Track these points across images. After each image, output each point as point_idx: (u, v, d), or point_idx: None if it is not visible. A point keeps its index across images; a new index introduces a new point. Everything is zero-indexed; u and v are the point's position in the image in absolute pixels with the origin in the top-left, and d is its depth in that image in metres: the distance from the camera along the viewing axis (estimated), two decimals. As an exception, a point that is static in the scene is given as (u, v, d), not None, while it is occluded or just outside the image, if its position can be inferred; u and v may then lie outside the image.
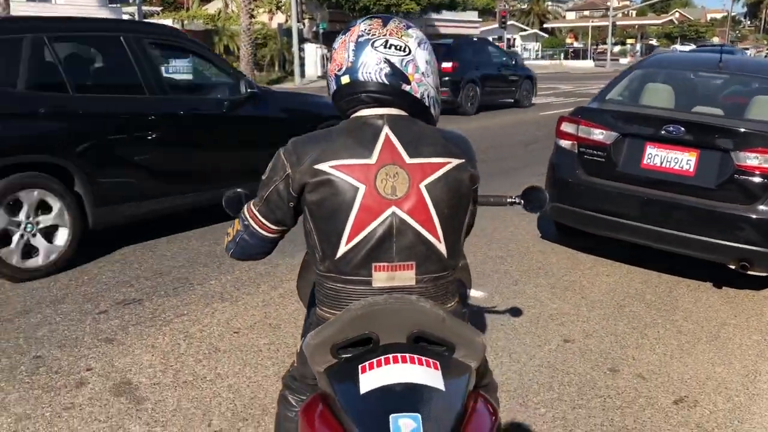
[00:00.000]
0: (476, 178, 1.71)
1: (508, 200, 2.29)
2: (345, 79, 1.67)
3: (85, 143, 4.48)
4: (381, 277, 1.62)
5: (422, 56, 1.68)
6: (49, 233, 4.41)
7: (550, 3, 78.37)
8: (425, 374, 1.48)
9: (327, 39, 38.48)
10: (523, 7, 71.41)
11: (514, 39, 56.82)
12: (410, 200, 1.61)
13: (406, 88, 1.66)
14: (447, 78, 14.14)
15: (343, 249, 1.62)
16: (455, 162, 1.66)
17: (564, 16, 79.36)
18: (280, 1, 39.86)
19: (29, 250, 4.32)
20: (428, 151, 1.65)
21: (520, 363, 3.38)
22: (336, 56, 1.69)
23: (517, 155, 9.68)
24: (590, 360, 3.44)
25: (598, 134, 4.53)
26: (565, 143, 4.76)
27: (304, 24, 39.66)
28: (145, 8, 43.02)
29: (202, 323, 3.73)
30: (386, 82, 1.64)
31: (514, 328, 3.77)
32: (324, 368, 1.59)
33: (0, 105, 4.20)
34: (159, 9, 45.43)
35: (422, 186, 1.62)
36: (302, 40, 36.58)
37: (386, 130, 1.65)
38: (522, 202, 2.27)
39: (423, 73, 1.68)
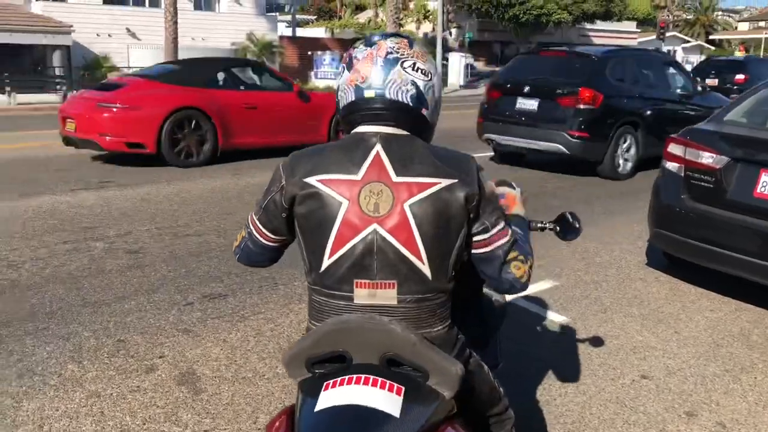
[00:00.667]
0: (473, 197, 1.63)
1: (539, 225, 2.18)
2: (369, 93, 1.67)
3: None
4: (362, 294, 1.62)
5: (438, 85, 1.74)
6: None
7: (720, 13, 73.29)
8: (383, 399, 1.45)
9: (473, 48, 38.47)
10: (688, 17, 67.21)
11: (675, 51, 53.64)
12: (393, 219, 1.59)
13: (425, 112, 1.70)
14: (584, 113, 8.27)
15: (326, 262, 1.63)
16: (445, 182, 1.61)
17: (736, 27, 73.75)
18: (428, 11, 40.30)
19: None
20: (417, 170, 1.62)
21: (586, 396, 3.19)
22: (360, 68, 1.69)
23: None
24: (666, 400, 3.18)
25: (707, 158, 4.18)
26: (671, 166, 4.43)
27: (450, 33, 39.89)
28: (299, 17, 45.30)
29: (276, 322, 3.87)
30: (410, 104, 1.67)
31: (589, 358, 3.57)
32: (299, 380, 1.61)
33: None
34: (313, 17, 47.51)
35: (406, 205, 1.59)
36: (447, 49, 36.77)
37: (378, 147, 1.65)
38: (557, 228, 2.16)
39: (436, 101, 1.74)
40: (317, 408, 1.44)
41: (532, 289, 4.49)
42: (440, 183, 1.61)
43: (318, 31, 41.35)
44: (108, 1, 27.36)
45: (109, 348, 3.47)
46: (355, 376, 1.50)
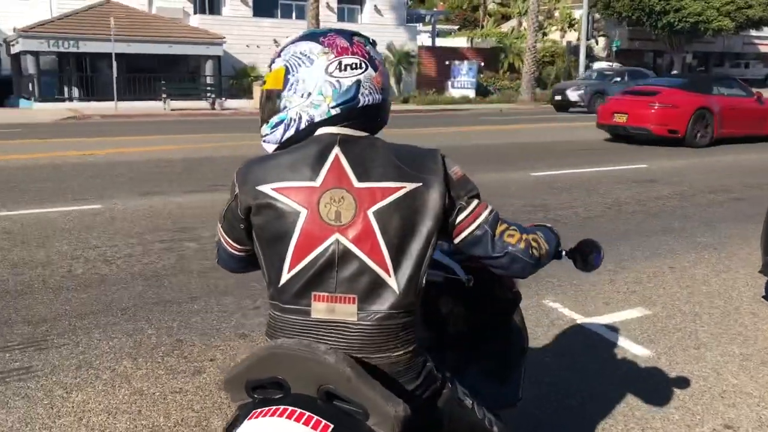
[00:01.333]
0: (443, 195, 1.51)
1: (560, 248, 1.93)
2: (389, 102, 1.65)
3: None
4: (320, 308, 1.49)
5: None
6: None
7: None
8: None
9: (620, 56, 36.70)
10: None
11: None
12: (356, 227, 1.46)
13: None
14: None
15: (285, 276, 1.51)
16: (411, 187, 1.49)
17: None
18: (574, 19, 38.97)
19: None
20: (379, 174, 1.49)
21: (653, 442, 2.82)
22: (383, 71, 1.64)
23: None
24: (748, 458, 2.74)
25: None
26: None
27: (596, 42, 38.34)
28: (443, 27, 45.46)
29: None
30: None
31: (666, 399, 3.16)
32: (238, 404, 1.51)
33: None
34: (456, 27, 47.47)
35: (370, 212, 1.47)
36: (593, 58, 35.37)
37: (336, 150, 1.51)
38: (575, 257, 1.92)
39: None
40: None
41: (615, 316, 4.10)
42: (405, 187, 1.49)
43: (460, 41, 41.27)
44: (258, 14, 28.90)
45: (165, 347, 3.55)
46: (281, 407, 1.37)
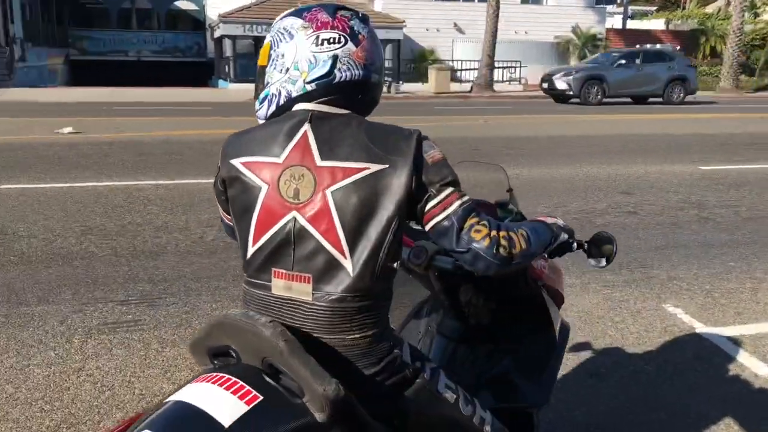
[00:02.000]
0: (411, 179, 1.42)
1: (570, 240, 1.76)
2: (375, 78, 1.56)
3: None
4: (279, 285, 1.48)
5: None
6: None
7: None
8: (226, 404, 1.30)
9: None
10: None
11: None
12: (313, 206, 1.42)
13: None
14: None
15: (251, 250, 1.52)
16: (375, 168, 1.42)
17: None
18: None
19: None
20: (345, 153, 1.44)
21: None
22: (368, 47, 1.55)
23: None
24: None
25: None
26: None
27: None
28: (639, 8, 42.66)
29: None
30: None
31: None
32: (202, 369, 1.54)
33: None
34: (654, 9, 44.33)
35: (328, 192, 1.42)
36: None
37: (306, 127, 1.47)
38: (587, 248, 1.74)
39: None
40: (169, 398, 1.36)
41: (744, 329, 3.64)
42: (369, 168, 1.42)
43: (656, 23, 38.50)
44: (439, -2, 29.07)
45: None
46: (220, 375, 1.38)
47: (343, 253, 1.41)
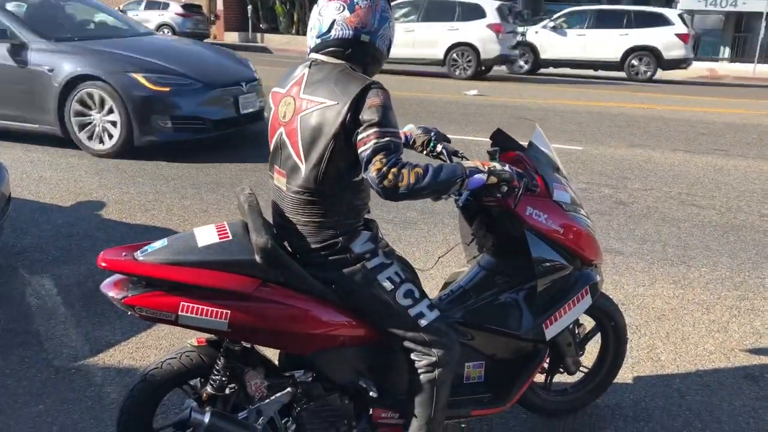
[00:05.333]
0: (346, 116, 1.94)
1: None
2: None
3: None
4: (275, 177, 2.24)
5: (365, 8, 2.07)
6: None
7: None
8: (209, 237, 2.11)
9: None
10: None
11: None
12: (290, 125, 2.12)
13: (364, 39, 2.08)
14: None
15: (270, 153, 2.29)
16: (329, 103, 1.98)
17: None
18: None
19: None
20: (318, 91, 2.01)
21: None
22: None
23: None
24: None
25: None
26: None
27: None
28: None
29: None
30: (344, 36, 2.07)
31: None
32: None
33: None
34: None
35: (299, 116, 2.08)
36: None
37: (305, 70, 2.16)
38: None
39: (366, 25, 2.07)
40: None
41: None
42: (325, 103, 1.99)
43: None
44: None
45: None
46: (223, 223, 2.21)
47: (301, 160, 2.08)
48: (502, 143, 2.50)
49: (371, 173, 1.92)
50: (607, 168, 6.84)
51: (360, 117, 1.95)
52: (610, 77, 17.09)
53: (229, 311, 2.00)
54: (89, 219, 4.98)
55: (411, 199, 2.00)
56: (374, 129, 1.93)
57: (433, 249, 4.48)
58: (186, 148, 7.04)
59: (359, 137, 1.95)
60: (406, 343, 2.17)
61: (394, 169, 1.90)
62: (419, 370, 2.16)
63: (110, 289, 2.02)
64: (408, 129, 2.64)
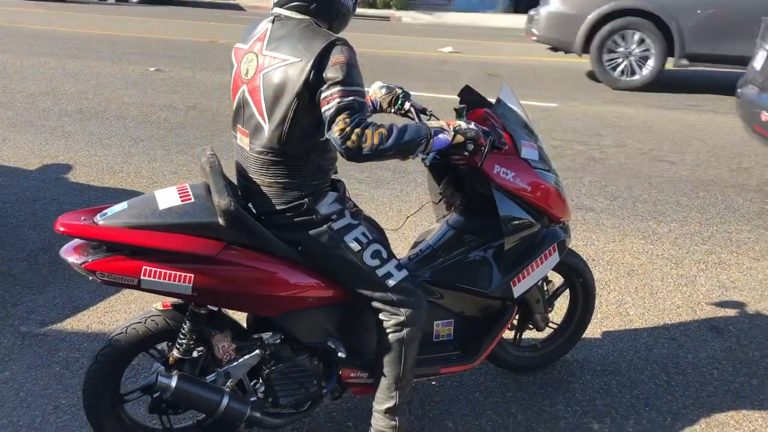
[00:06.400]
0: (310, 73, 1.88)
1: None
2: None
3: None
4: (238, 136, 2.18)
5: None
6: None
7: None
8: (170, 199, 2.07)
9: None
10: None
11: None
12: (252, 83, 2.04)
13: None
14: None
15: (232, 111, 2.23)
16: (291, 60, 1.92)
17: None
18: None
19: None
20: (281, 48, 1.95)
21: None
22: None
23: None
24: None
25: None
26: None
27: None
28: None
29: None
30: None
31: None
32: None
33: None
34: None
35: (261, 73, 2.01)
36: None
37: (268, 25, 2.08)
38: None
39: None
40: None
41: None
42: (287, 60, 1.95)
43: None
44: None
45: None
46: (185, 185, 2.16)
47: (264, 119, 2.03)
48: (470, 100, 2.47)
49: (334, 134, 1.88)
50: (581, 125, 6.84)
51: (324, 75, 1.90)
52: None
53: (193, 275, 1.98)
54: (56, 182, 4.88)
55: (375, 161, 1.97)
56: (338, 87, 1.89)
57: (406, 208, 4.46)
58: (156, 108, 6.90)
59: (323, 96, 1.91)
60: (374, 304, 2.17)
61: (357, 130, 1.87)
62: (387, 330, 2.16)
63: (70, 254, 1.99)
64: (372, 91, 2.59)
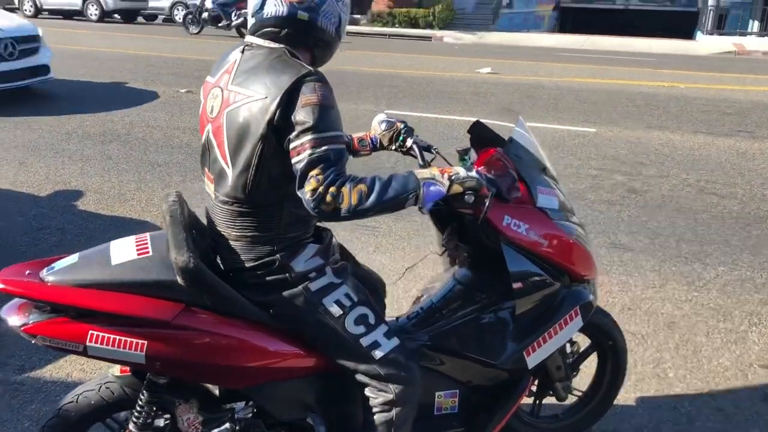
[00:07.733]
0: (275, 113, 1.62)
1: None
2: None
3: None
4: (206, 181, 1.92)
5: None
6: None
7: None
8: (126, 252, 1.81)
9: None
10: None
11: None
12: (216, 122, 1.78)
13: (301, 16, 1.73)
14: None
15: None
16: (256, 97, 1.66)
17: None
18: None
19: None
20: (248, 82, 1.69)
21: None
22: None
23: None
24: None
25: None
26: None
27: None
28: None
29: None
30: (281, 14, 1.73)
31: None
32: None
33: None
34: None
35: (225, 111, 1.75)
36: None
37: (238, 56, 1.81)
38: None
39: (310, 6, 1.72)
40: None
41: None
42: (252, 97, 1.68)
43: None
44: None
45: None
46: (143, 235, 1.89)
47: (228, 164, 1.75)
48: (481, 137, 2.17)
49: (306, 194, 1.60)
50: (621, 152, 6.43)
51: (293, 117, 1.62)
52: (636, 52, 16.45)
53: (146, 341, 1.71)
54: (63, 210, 4.70)
55: (356, 219, 1.67)
56: (309, 136, 1.60)
57: (425, 245, 4.13)
58: (180, 131, 6.74)
59: (291, 145, 1.63)
60: (359, 377, 1.86)
61: (332, 189, 1.58)
62: (374, 409, 1.86)
63: (11, 314, 1.74)
64: (372, 127, 2.30)
